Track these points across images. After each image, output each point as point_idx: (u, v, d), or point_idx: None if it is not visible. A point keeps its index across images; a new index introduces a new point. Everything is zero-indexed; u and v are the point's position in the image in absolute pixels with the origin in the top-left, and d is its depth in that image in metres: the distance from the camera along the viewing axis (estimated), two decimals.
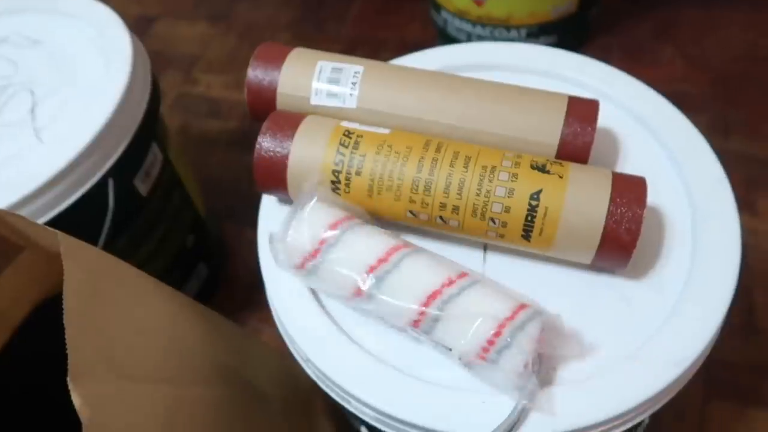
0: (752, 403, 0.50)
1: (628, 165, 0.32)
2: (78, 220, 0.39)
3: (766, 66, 0.71)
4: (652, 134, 0.33)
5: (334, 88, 0.31)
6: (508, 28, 0.69)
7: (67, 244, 0.22)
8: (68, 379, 0.18)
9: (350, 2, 0.84)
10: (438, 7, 0.72)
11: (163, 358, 0.24)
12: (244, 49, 0.81)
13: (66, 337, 0.19)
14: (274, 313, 0.29)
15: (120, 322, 0.22)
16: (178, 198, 0.50)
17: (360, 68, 0.31)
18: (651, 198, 0.30)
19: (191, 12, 0.87)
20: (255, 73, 0.32)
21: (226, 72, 0.79)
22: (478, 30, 0.70)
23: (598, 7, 0.73)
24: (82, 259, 0.22)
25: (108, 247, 0.43)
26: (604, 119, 0.33)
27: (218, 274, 0.61)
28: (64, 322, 0.19)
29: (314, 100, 0.31)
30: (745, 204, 0.61)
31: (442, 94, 0.30)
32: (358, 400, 0.26)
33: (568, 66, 0.35)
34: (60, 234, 0.22)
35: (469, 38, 0.72)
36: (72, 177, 0.37)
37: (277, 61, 0.32)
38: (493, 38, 0.70)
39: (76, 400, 0.18)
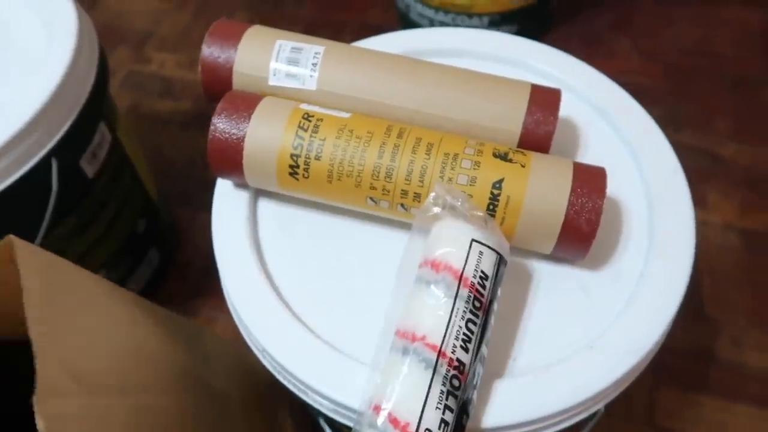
0: (698, 388, 0.52)
1: (588, 155, 0.32)
2: (19, 201, 0.37)
3: (717, 60, 0.73)
4: (611, 125, 0.33)
5: (294, 69, 0.30)
6: (470, 16, 0.68)
7: (23, 251, 0.20)
8: (34, 398, 0.16)
9: None
10: None
11: (125, 369, 0.23)
12: (199, 27, 0.78)
13: (34, 351, 0.17)
14: (228, 302, 0.28)
15: (81, 332, 0.21)
16: (127, 180, 0.48)
17: (320, 49, 0.30)
18: (609, 188, 0.30)
19: None
20: (210, 50, 0.31)
21: (179, 50, 0.76)
22: (440, 16, 0.69)
23: None
24: (38, 266, 0.21)
25: (53, 230, 0.41)
26: (564, 109, 0.33)
27: (170, 260, 0.59)
28: (29, 334, 0.18)
29: (272, 81, 0.30)
30: (696, 197, 0.63)
31: (404, 78, 0.29)
32: (316, 392, 0.25)
33: (530, 54, 0.35)
34: (14, 240, 0.20)
35: (431, 24, 0.71)
36: (11, 156, 0.35)
37: (233, 38, 0.31)
38: (455, 25, 0.70)
39: (40, 423, 0.17)
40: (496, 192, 0.26)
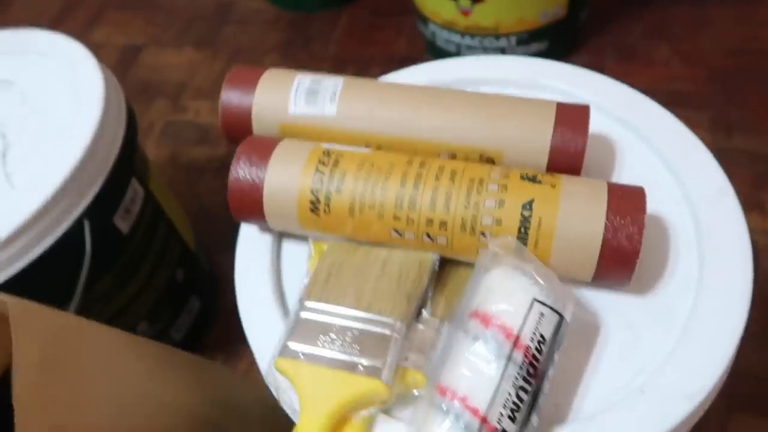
0: None
1: (624, 176, 0.29)
2: (54, 264, 0.38)
3: (763, 58, 0.69)
4: (647, 143, 0.30)
5: (313, 98, 0.29)
6: (497, 37, 0.67)
7: (18, 311, 0.20)
8: None
9: (337, 21, 0.83)
10: (425, 20, 0.71)
11: (134, 422, 0.22)
12: None
13: (15, 419, 0.17)
14: (253, 351, 0.27)
15: (79, 392, 0.20)
16: (163, 232, 0.48)
17: (340, 80, 0.30)
18: (650, 211, 0.28)
19: (177, 38, 0.86)
20: (228, 95, 0.31)
21: (213, 97, 0.77)
22: (467, 40, 0.69)
23: (586, 9, 0.72)
24: (37, 326, 0.20)
25: (91, 288, 0.41)
26: (596, 129, 0.31)
27: (212, 306, 0.59)
28: (12, 401, 0.17)
29: (292, 110, 0.29)
30: (753, 203, 0.59)
31: (426, 105, 0.28)
32: None
33: (556, 77, 0.33)
34: (9, 300, 0.20)
35: (459, 49, 0.70)
36: (44, 222, 0.35)
37: (251, 81, 0.30)
38: (483, 48, 0.69)
39: None
40: (526, 214, 0.24)
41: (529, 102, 0.28)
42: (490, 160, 0.27)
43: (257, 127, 0.30)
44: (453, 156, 0.28)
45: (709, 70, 0.69)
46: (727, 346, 0.23)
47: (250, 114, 0.30)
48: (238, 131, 0.31)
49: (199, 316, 0.56)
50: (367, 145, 0.29)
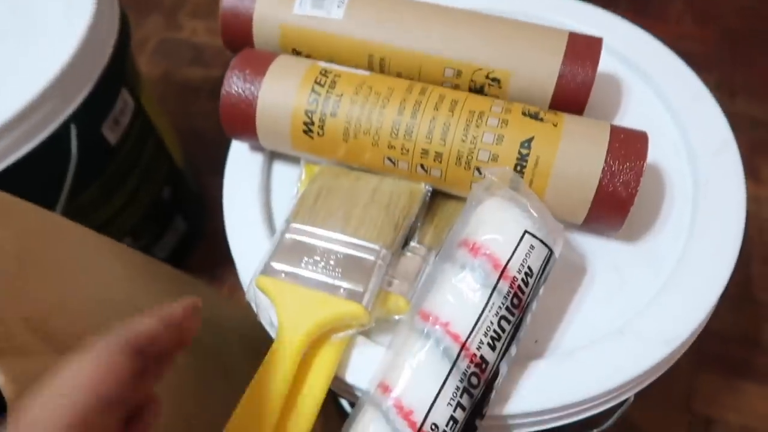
0: (741, 375, 0.49)
1: (627, 120, 0.29)
2: (39, 167, 0.37)
3: None
4: (655, 89, 0.30)
5: (320, 3, 0.28)
6: None
7: None
8: None
9: None
10: None
11: (114, 325, 0.22)
12: None
13: None
14: (238, 273, 0.27)
15: (59, 289, 0.20)
16: (152, 148, 0.47)
17: None
18: (650, 159, 0.27)
19: None
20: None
21: (212, 17, 0.75)
22: None
23: None
24: (14, 217, 0.20)
25: (75, 197, 0.40)
26: (604, 70, 0.30)
27: (198, 228, 0.58)
28: None
29: (298, 9, 0.28)
30: (747, 169, 0.59)
31: (436, 19, 0.27)
32: None
33: (568, 12, 0.32)
34: None
35: None
36: (30, 122, 0.34)
37: None
38: None
39: (1, 379, 0.16)
40: (524, 152, 0.23)
41: (542, 28, 0.27)
42: (496, 81, 0.26)
43: (258, 27, 0.28)
44: (458, 74, 0.26)
45: (721, 31, 0.67)
46: (708, 297, 0.23)
47: (251, 12, 0.28)
48: (237, 33, 0.29)
49: (184, 238, 0.56)
50: (371, 57, 0.27)
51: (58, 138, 0.36)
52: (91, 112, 0.38)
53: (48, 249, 0.20)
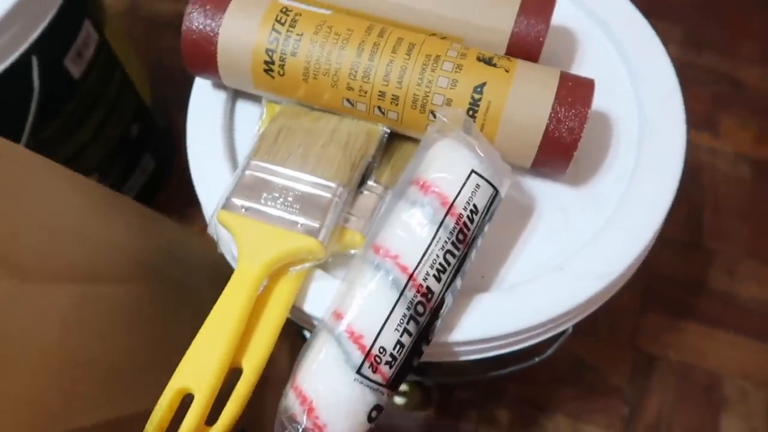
0: (685, 315, 0.52)
1: (581, 69, 0.30)
2: (0, 99, 0.37)
3: None
4: (610, 37, 0.30)
5: None
6: None
7: None
8: None
9: None
10: None
11: (69, 255, 0.23)
12: None
13: None
14: (202, 207, 0.28)
15: (15, 216, 0.21)
16: (118, 83, 0.47)
17: None
18: (600, 106, 0.28)
19: None
20: None
21: None
22: None
23: None
24: None
25: (38, 132, 0.40)
26: (560, 16, 0.31)
27: (167, 165, 0.58)
28: None
29: None
30: (707, 122, 0.60)
31: None
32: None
33: None
34: None
35: None
36: None
37: None
38: None
39: None
40: (477, 97, 0.24)
41: None
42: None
43: None
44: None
45: None
46: (643, 236, 0.25)
47: None
48: None
49: (153, 175, 0.56)
50: (327, 8, 0.28)
51: (20, 69, 0.36)
52: (52, 43, 0.38)
53: (2, 176, 0.21)
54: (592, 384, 0.50)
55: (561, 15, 0.31)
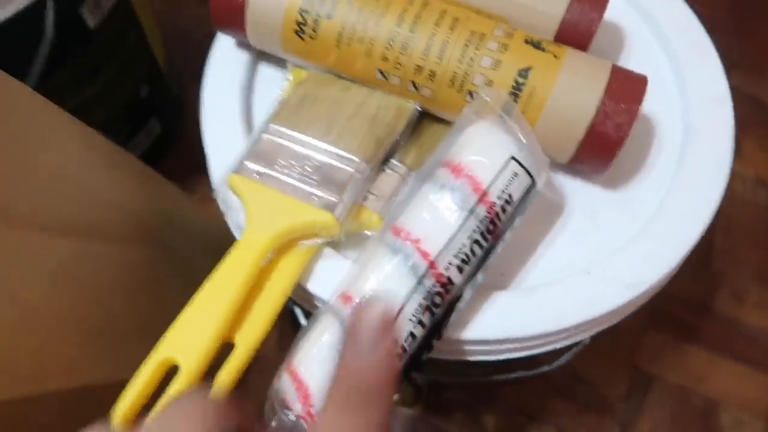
0: (688, 338, 0.51)
1: (624, 65, 0.28)
2: (10, 41, 0.35)
3: None
4: (658, 35, 0.29)
5: None
6: None
7: None
8: None
9: None
10: None
11: (65, 207, 0.21)
12: None
13: None
14: (210, 169, 0.26)
15: (11, 162, 0.19)
16: (133, 40, 0.45)
17: None
18: (644, 106, 0.27)
19: None
20: None
21: None
22: None
23: None
24: None
25: (46, 79, 0.38)
26: (611, 12, 0.29)
27: (172, 133, 0.56)
28: None
29: None
30: None
31: None
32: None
33: None
34: None
35: None
36: None
37: None
38: None
39: None
40: (521, 81, 0.23)
41: None
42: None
43: None
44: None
45: None
46: (678, 249, 0.24)
47: None
48: None
49: (157, 142, 0.54)
50: None
51: (34, 11, 0.34)
52: None
53: (4, 115, 0.19)
54: (586, 398, 0.49)
55: (609, 7, 0.29)
